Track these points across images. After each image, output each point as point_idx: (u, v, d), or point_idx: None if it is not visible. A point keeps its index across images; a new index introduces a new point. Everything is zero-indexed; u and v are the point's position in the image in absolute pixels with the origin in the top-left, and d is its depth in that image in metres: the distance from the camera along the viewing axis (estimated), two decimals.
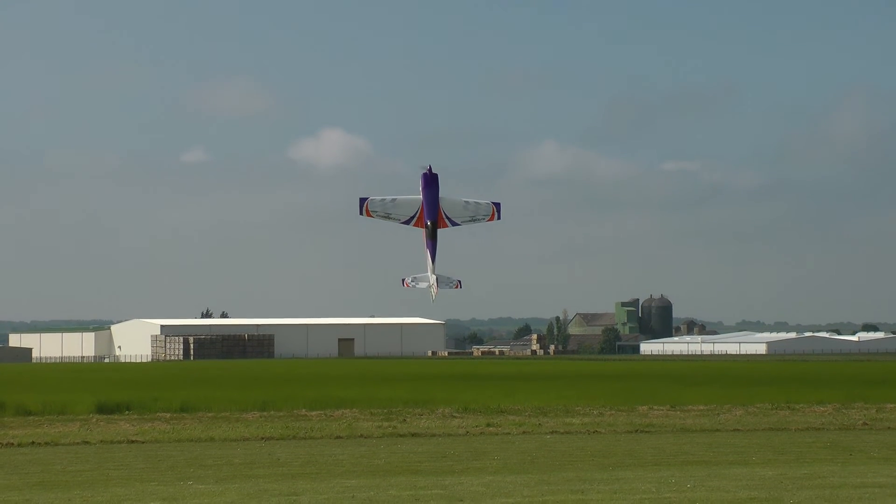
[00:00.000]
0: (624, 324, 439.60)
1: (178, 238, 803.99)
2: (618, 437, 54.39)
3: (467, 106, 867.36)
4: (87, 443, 52.96)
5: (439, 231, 36.28)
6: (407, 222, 36.07)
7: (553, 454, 45.07)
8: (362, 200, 35.64)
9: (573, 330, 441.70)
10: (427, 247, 36.15)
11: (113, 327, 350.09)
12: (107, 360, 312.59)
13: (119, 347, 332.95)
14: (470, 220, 36.55)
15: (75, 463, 43.07)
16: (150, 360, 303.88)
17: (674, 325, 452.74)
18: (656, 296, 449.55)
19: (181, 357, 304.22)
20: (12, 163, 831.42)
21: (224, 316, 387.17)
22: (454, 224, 36.44)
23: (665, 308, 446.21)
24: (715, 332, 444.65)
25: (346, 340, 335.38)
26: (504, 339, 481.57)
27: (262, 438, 54.38)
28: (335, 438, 54.40)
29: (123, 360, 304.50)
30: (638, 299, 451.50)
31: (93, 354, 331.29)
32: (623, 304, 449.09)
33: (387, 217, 35.99)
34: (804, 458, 43.06)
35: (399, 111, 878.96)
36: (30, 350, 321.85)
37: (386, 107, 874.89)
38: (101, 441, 53.49)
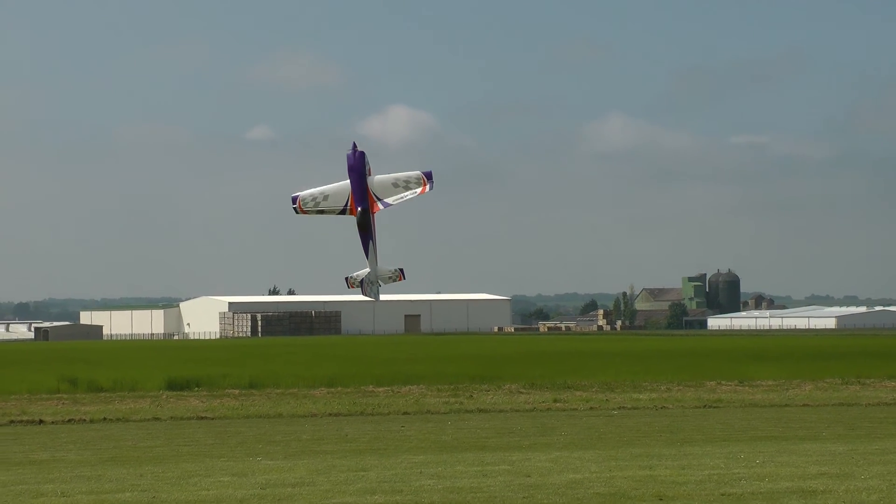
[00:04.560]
0: (691, 299, 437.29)
1: (245, 215, 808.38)
2: (685, 413, 54.18)
3: (532, 78, 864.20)
4: (157, 419, 53.49)
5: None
6: (342, 213, 32.29)
7: (620, 430, 44.97)
8: (294, 199, 31.98)
9: (640, 305, 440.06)
10: (361, 239, 32.39)
11: (182, 304, 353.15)
12: (176, 337, 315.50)
13: (188, 324, 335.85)
14: (401, 198, 32.70)
15: (146, 439, 43.53)
16: (218, 336, 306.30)
17: (741, 299, 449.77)
18: (724, 270, 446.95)
19: (249, 334, 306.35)
20: (80, 140, 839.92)
21: (291, 293, 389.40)
22: (386, 205, 32.76)
23: (733, 282, 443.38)
24: (783, 307, 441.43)
25: (412, 317, 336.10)
26: (570, 314, 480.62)
27: (330, 414, 54.68)
28: (402, 414, 54.59)
29: (192, 337, 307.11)
30: (705, 274, 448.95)
31: (162, 331, 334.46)
32: (690, 279, 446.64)
33: (320, 212, 32.27)
34: (875, 433, 42.69)
35: (464, 85, 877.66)
36: (100, 327, 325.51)
37: (450, 81, 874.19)
38: (172, 417, 54.02)
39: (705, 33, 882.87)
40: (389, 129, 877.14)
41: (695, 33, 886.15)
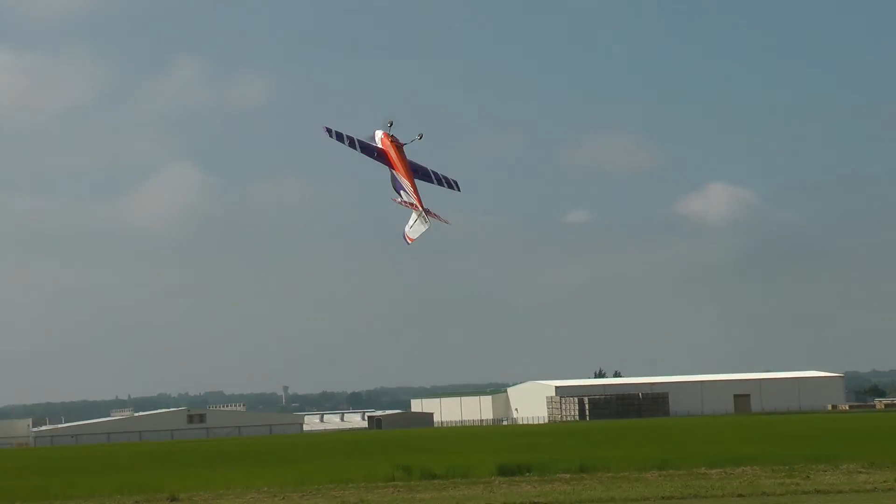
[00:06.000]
0: None
1: (567, 299, 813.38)
2: None
3: (854, 150, 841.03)
4: None
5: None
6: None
7: None
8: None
9: None
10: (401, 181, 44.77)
11: (509, 390, 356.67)
12: (504, 423, 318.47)
13: (516, 409, 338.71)
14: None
15: None
16: (546, 421, 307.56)
17: None
18: None
19: (577, 417, 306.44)
20: (386, 236, 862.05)
21: (617, 375, 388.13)
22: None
23: None
24: None
25: (741, 396, 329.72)
26: None
27: (663, 497, 54.09)
28: (737, 497, 53.54)
29: (521, 422, 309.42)
30: None
31: (491, 417, 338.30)
32: None
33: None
34: None
35: (782, 159, 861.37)
36: (431, 415, 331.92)
37: (769, 155, 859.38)
38: (504, 503, 54.44)
39: None
40: (709, 207, 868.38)
41: None
